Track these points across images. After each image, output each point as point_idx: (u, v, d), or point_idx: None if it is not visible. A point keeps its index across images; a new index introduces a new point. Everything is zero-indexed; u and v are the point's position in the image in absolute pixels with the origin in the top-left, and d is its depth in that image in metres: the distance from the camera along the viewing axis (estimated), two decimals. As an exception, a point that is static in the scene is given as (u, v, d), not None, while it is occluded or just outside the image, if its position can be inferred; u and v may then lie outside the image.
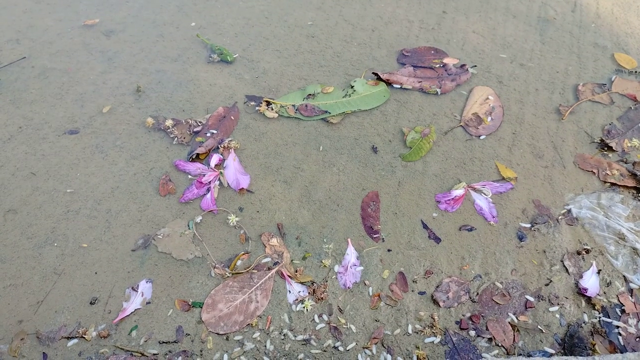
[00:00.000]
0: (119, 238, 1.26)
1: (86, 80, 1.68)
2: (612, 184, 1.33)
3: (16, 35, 1.87)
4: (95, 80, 1.69)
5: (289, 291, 1.18)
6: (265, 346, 1.10)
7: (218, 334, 1.11)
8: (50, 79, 1.69)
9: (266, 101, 1.59)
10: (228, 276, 1.20)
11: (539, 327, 1.12)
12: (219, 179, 1.39)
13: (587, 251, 1.21)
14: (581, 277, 1.18)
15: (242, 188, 1.37)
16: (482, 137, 1.48)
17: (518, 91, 1.61)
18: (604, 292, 1.16)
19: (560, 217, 1.27)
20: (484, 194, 1.34)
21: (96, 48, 1.81)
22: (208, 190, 1.36)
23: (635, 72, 1.62)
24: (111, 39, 1.85)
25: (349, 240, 1.26)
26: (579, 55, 1.71)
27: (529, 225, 1.27)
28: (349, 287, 1.19)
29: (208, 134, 1.51)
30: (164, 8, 1.99)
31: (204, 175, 1.39)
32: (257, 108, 1.58)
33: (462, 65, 1.69)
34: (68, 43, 1.83)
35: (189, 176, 1.40)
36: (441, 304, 1.15)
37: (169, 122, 1.53)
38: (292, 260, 1.23)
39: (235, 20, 1.92)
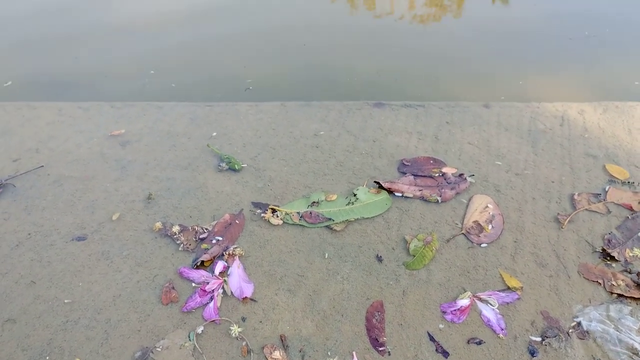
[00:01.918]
0: (116, 351, 1.22)
1: (99, 188, 1.75)
2: (619, 295, 1.32)
3: (36, 145, 1.98)
4: (108, 187, 1.75)
5: (292, 411, 1.11)
6: None
7: None
8: (64, 186, 1.76)
9: (271, 208, 1.64)
10: (227, 393, 1.14)
11: None
12: (223, 287, 1.39)
13: (603, 367, 1.16)
14: (599, 396, 1.11)
15: (246, 297, 1.36)
16: (484, 245, 1.49)
17: (516, 200, 1.65)
18: (626, 415, 1.10)
19: (570, 331, 1.24)
20: (491, 304, 1.32)
21: (111, 157, 1.90)
22: (211, 299, 1.35)
23: (628, 182, 1.68)
24: (126, 148, 1.95)
25: (354, 353, 1.22)
26: (572, 166, 1.79)
27: (539, 339, 1.24)
28: (354, 407, 1.12)
29: (213, 241, 1.53)
30: (178, 120, 2.12)
31: (207, 283, 1.38)
32: (262, 215, 1.62)
33: (461, 175, 1.76)
34: (85, 152, 1.93)
35: (193, 284, 1.39)
36: None
37: (175, 229, 1.56)
38: (295, 376, 1.18)
39: (244, 132, 2.04)
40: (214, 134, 2.03)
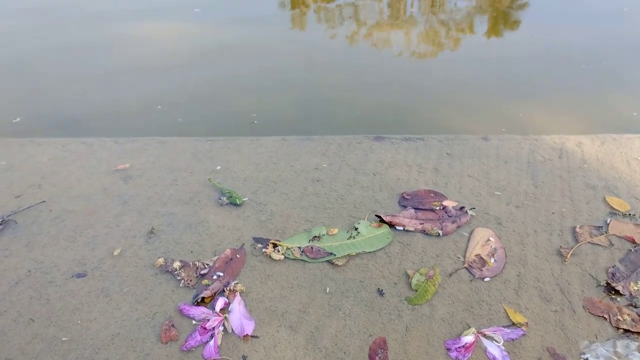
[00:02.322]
0: (115, 391, 1.20)
1: (100, 223, 1.75)
2: (626, 330, 1.30)
3: (39, 180, 1.99)
4: (109, 222, 1.75)
5: None
6: None
7: None
8: (66, 222, 1.76)
9: (273, 243, 1.63)
10: None
11: None
12: (224, 324, 1.37)
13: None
14: None
15: (247, 334, 1.34)
16: (487, 279, 1.48)
17: (517, 232, 1.65)
18: None
19: (577, 368, 1.22)
20: (496, 341, 1.29)
21: (113, 192, 1.91)
22: (212, 336, 1.33)
23: (629, 214, 1.68)
24: (128, 183, 1.96)
25: (357, 393, 1.19)
26: (572, 198, 1.79)
27: (546, 377, 1.21)
28: None
29: (214, 277, 1.52)
30: (180, 155, 2.14)
31: (208, 320, 1.37)
32: (263, 250, 1.61)
33: (461, 208, 1.76)
34: (87, 188, 1.94)
35: (193, 321, 1.37)
36: None
37: (176, 264, 1.55)
38: (296, 418, 1.15)
39: (245, 166, 2.06)
40: (218, 167, 2.05)
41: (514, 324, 1.34)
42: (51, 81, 3.03)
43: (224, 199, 1.85)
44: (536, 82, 2.82)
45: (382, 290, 1.46)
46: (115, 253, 1.61)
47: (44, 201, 1.86)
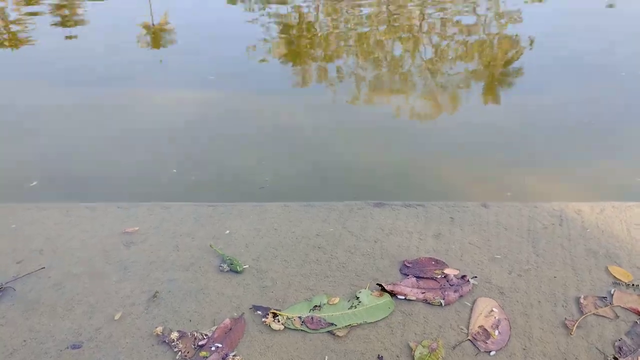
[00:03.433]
0: None
1: (99, 290, 1.74)
2: (638, 410, 1.25)
3: (41, 246, 2.00)
4: (109, 289, 1.74)
5: None
6: None
7: None
8: (64, 289, 1.75)
9: (272, 313, 1.61)
10: None
11: None
12: (220, 401, 1.32)
13: None
14: None
15: (244, 412, 1.29)
16: (492, 353, 1.44)
17: (521, 303, 1.63)
18: None
19: None
20: (503, 420, 1.24)
21: (115, 258, 1.91)
22: (207, 414, 1.28)
23: (633, 285, 1.67)
24: (130, 249, 1.97)
25: None
26: (574, 267, 1.78)
27: None
28: None
29: (213, 348, 1.48)
30: (182, 220, 2.16)
31: (204, 395, 1.32)
32: (263, 320, 1.58)
33: (463, 276, 1.75)
34: (88, 253, 1.94)
35: (189, 397, 1.33)
36: None
37: (174, 335, 1.52)
38: None
39: (247, 232, 2.07)
40: (220, 233, 2.06)
41: (521, 402, 1.29)
42: (59, 144, 3.12)
43: (225, 266, 1.85)
44: (533, 148, 2.89)
45: (384, 363, 1.42)
46: (112, 321, 1.59)
47: (44, 267, 1.86)
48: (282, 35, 5.04)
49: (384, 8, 6.03)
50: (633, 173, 2.61)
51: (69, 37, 4.94)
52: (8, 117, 3.55)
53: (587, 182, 2.54)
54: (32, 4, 5.89)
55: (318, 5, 6.04)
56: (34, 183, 2.59)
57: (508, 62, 4.31)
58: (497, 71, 4.17)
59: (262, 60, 4.45)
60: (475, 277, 1.75)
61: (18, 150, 3.07)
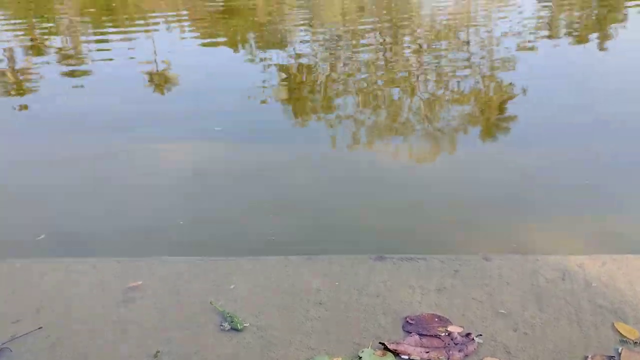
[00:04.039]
0: None
1: (96, 351, 1.70)
2: None
3: (39, 304, 1.98)
4: (106, 350, 1.71)
5: None
6: None
7: None
8: (61, 350, 1.71)
9: (273, 375, 1.57)
10: None
11: None
12: None
13: None
14: None
15: None
16: (500, 418, 1.40)
17: (528, 362, 1.59)
18: None
19: None
20: None
21: (113, 317, 1.89)
22: None
23: (640, 342, 1.64)
24: (129, 307, 1.94)
25: None
26: (579, 324, 1.75)
27: None
28: None
29: (211, 414, 1.44)
30: (183, 276, 2.15)
31: None
32: (264, 383, 1.55)
33: (468, 334, 1.72)
34: (87, 312, 1.92)
35: None
36: None
37: (172, 400, 1.48)
38: None
39: (247, 287, 2.06)
40: (220, 288, 2.04)
41: None
42: (57, 198, 3.14)
43: (226, 324, 1.82)
44: (531, 200, 2.91)
45: None
46: (109, 386, 1.55)
47: (41, 327, 1.83)
48: (283, 82, 5.19)
49: (380, 55, 6.25)
50: (631, 224, 2.61)
51: (75, 87, 5.06)
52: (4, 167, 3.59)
53: (586, 234, 2.54)
54: (41, 55, 6.09)
55: (317, 53, 6.25)
56: (42, 236, 2.59)
57: (502, 112, 4.41)
58: (493, 120, 4.27)
59: (263, 102, 4.56)
60: (480, 335, 1.72)
61: (17, 205, 3.09)
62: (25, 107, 4.71)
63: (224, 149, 3.75)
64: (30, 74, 5.38)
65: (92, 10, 7.52)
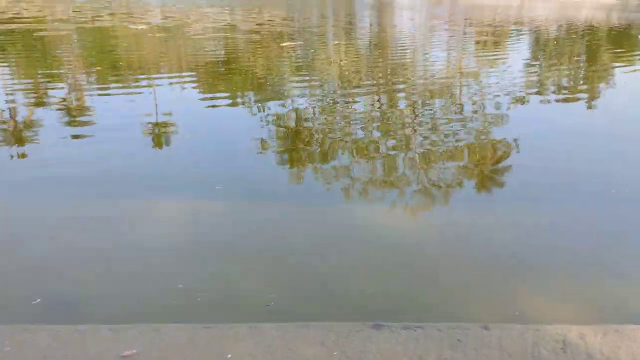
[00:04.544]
0: None
1: None
2: None
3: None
4: None
5: None
6: None
7: None
8: None
9: None
10: None
11: None
12: None
13: None
14: None
15: None
16: None
17: None
18: None
19: None
20: None
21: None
22: None
23: None
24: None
25: None
26: (584, 402, 1.70)
27: None
28: None
29: None
30: (176, 343, 2.09)
31: None
32: None
33: (468, 413, 1.66)
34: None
35: None
36: None
37: None
38: None
39: (242, 357, 1.99)
40: (215, 357, 1.98)
41: None
42: (47, 260, 3.09)
43: (218, 399, 1.75)
44: (529, 264, 2.90)
45: None
46: None
47: (26, 401, 1.75)
48: (282, 136, 5.27)
49: (377, 107, 6.41)
50: (633, 294, 2.59)
51: (75, 137, 5.09)
52: None
53: (586, 303, 2.51)
54: (42, 105, 6.20)
55: (315, 107, 6.39)
56: (38, 300, 2.53)
57: (496, 169, 4.47)
58: (487, 177, 4.31)
59: (262, 155, 4.59)
60: (481, 413, 1.66)
61: (13, 267, 3.04)
62: (23, 155, 4.73)
63: (224, 209, 3.74)
64: (33, 127, 5.45)
65: (98, 68, 7.75)
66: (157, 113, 5.79)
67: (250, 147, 4.84)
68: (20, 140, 5.05)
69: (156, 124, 5.41)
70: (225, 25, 14.37)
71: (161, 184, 4.11)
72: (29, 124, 5.44)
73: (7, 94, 6.24)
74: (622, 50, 13.62)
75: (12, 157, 4.63)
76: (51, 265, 3.01)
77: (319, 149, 4.87)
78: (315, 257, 3.06)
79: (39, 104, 6.03)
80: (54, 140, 4.97)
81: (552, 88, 7.91)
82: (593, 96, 7.45)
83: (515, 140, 5.08)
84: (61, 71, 7.62)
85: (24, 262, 3.05)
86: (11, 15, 13.36)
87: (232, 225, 3.52)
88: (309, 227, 3.48)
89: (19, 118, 5.63)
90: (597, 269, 2.84)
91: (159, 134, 5.17)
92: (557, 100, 7.12)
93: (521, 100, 6.77)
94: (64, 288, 2.77)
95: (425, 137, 5.16)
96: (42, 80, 7.15)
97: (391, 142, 5.04)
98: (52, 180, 4.11)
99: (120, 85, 7.06)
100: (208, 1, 23.48)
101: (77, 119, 5.51)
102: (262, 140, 5.02)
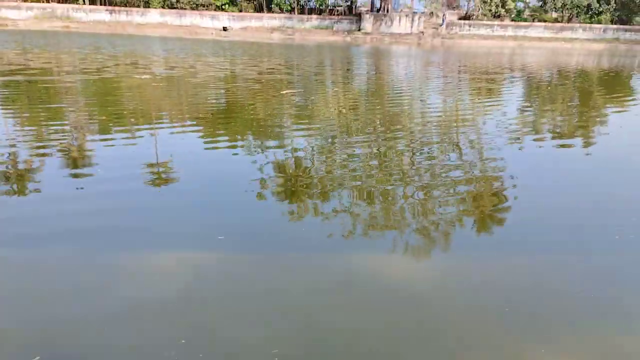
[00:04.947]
0: None
1: None
2: None
3: None
4: None
5: None
6: None
7: None
8: None
9: None
10: None
11: None
12: None
13: None
14: None
15: None
16: None
17: None
18: None
19: None
20: None
21: None
22: None
23: None
24: None
25: None
26: None
27: None
28: None
29: None
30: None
31: None
32: None
33: None
34: None
35: None
36: None
37: None
38: None
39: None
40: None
41: None
42: (41, 317, 3.03)
43: None
44: (532, 313, 2.84)
45: None
46: None
47: None
48: (280, 179, 5.29)
49: (375, 149, 6.48)
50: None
51: (74, 187, 5.09)
52: None
53: (593, 354, 2.44)
54: (44, 151, 6.25)
55: (313, 150, 6.46)
56: (37, 358, 2.46)
57: (494, 215, 4.46)
58: (487, 225, 4.30)
59: (263, 200, 4.58)
60: None
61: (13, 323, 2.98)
62: (20, 205, 4.72)
63: (226, 260, 3.70)
64: (32, 175, 5.48)
65: (103, 117, 7.90)
66: (158, 162, 5.84)
67: (251, 195, 4.85)
68: (20, 190, 5.06)
69: (157, 173, 5.45)
70: (227, 74, 14.77)
71: (163, 235, 4.08)
72: (29, 173, 5.47)
73: (9, 145, 6.32)
74: (615, 94, 13.94)
75: (9, 207, 4.63)
76: (46, 322, 2.94)
77: (320, 196, 4.88)
78: (319, 311, 3.00)
79: (40, 154, 6.09)
80: (52, 191, 4.97)
81: (548, 133, 8.03)
82: (588, 141, 7.55)
83: (512, 185, 5.10)
84: (65, 121, 7.76)
85: (19, 317, 2.99)
86: (18, 67, 13.75)
87: (234, 277, 3.48)
88: (311, 277, 3.43)
89: (19, 166, 5.67)
90: (603, 320, 2.78)
91: (160, 183, 5.19)
92: (554, 146, 7.21)
93: (517, 146, 6.86)
94: (60, 345, 2.70)
95: (424, 186, 5.18)
96: (44, 129, 7.26)
97: (390, 188, 5.06)
98: (50, 232, 4.08)
99: (123, 134, 7.17)
100: (212, 51, 24.27)
101: (78, 169, 5.55)
102: (263, 187, 5.03)
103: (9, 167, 5.65)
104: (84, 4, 56.41)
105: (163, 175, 5.41)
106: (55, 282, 3.41)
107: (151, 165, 5.67)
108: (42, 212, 4.47)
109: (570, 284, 3.18)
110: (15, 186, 5.16)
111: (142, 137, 6.90)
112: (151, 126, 7.57)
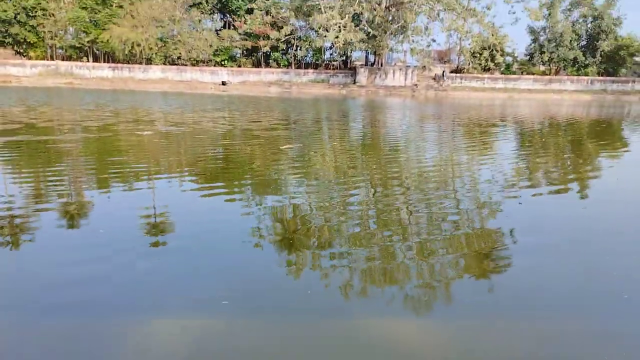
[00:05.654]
0: None
1: None
2: None
3: None
4: None
5: None
6: None
7: None
8: None
9: None
10: None
11: None
12: None
13: None
14: None
15: None
16: None
17: None
18: None
19: None
20: None
21: None
22: None
23: None
24: None
25: None
26: None
27: None
28: None
29: None
30: None
31: None
32: None
33: None
34: None
35: None
36: None
37: None
38: None
39: None
40: None
41: None
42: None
43: None
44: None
45: None
46: None
47: None
48: (279, 231, 5.26)
49: (371, 196, 6.50)
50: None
51: (69, 248, 5.01)
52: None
53: None
54: (42, 202, 6.25)
55: (311, 202, 6.49)
56: None
57: (493, 267, 4.41)
58: (486, 249, 4.24)
59: (265, 255, 4.52)
60: None
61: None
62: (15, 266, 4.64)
63: (232, 324, 3.61)
64: (28, 233, 5.43)
65: (104, 175, 7.98)
66: (155, 218, 5.82)
67: (252, 252, 4.80)
68: (14, 246, 5.00)
69: (156, 233, 5.41)
70: (229, 129, 15.05)
71: (161, 297, 4.00)
72: (25, 231, 5.43)
73: (7, 202, 6.33)
74: (607, 142, 14.21)
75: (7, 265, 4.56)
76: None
77: (322, 250, 4.84)
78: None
79: (38, 209, 6.08)
80: (48, 252, 4.91)
81: (543, 184, 8.10)
82: (583, 192, 7.60)
83: (512, 239, 5.08)
84: (64, 179, 7.80)
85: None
86: (19, 126, 13.98)
87: (239, 343, 3.39)
88: (318, 340, 3.34)
89: (15, 223, 5.64)
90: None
91: (158, 244, 5.14)
92: (551, 193, 7.25)
93: (512, 195, 6.90)
94: None
95: (423, 241, 5.16)
96: (42, 188, 7.29)
97: (389, 243, 5.03)
98: (40, 300, 3.96)
99: (122, 189, 7.19)
100: (213, 105, 24.86)
101: (74, 229, 5.51)
102: (263, 242, 4.99)
103: (5, 223, 5.62)
104: (88, 61, 58.28)
105: (160, 235, 5.38)
106: (48, 352, 3.31)
107: (148, 225, 5.65)
108: (38, 274, 4.40)
109: (578, 346, 3.10)
110: (7, 246, 5.11)
111: (141, 194, 6.91)
112: (150, 185, 7.61)
